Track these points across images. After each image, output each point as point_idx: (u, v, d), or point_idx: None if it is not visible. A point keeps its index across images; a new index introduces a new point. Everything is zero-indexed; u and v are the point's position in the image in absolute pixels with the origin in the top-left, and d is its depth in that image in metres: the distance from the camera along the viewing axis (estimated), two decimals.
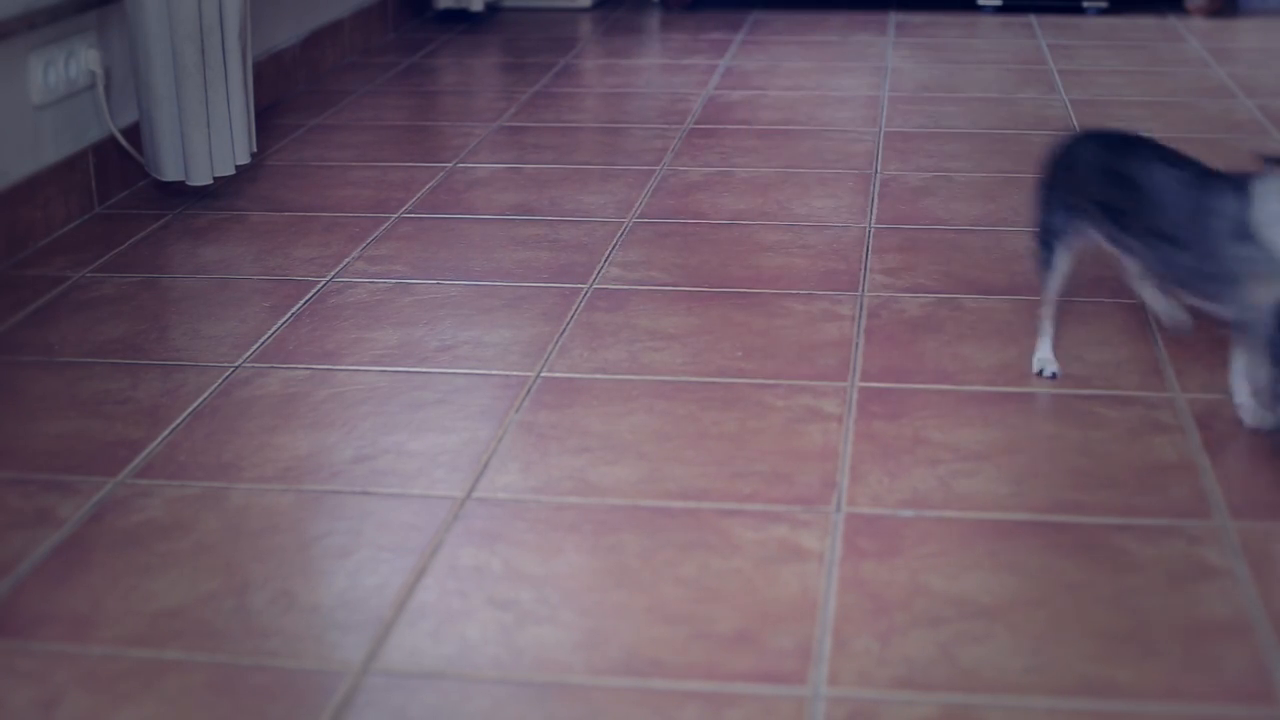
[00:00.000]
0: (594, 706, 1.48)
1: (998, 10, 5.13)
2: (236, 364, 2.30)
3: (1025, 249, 2.72)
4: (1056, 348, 2.29)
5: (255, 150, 3.19)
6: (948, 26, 4.88)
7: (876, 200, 3.04)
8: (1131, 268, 2.31)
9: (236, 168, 3.09)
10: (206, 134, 2.99)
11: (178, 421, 2.11)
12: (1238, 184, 1.91)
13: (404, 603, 1.66)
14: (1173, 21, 4.93)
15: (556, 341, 2.36)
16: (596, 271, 2.66)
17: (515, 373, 2.25)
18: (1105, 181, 2.07)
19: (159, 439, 2.06)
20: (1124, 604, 1.64)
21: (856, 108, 3.80)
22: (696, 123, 3.65)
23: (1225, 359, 2.26)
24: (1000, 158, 3.34)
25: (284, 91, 3.97)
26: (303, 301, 2.54)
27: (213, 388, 2.22)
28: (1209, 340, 2.33)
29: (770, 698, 1.49)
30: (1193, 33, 4.74)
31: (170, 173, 3.01)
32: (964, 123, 3.65)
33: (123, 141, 3.08)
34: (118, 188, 3.12)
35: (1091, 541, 1.77)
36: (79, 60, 2.97)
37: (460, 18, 5.01)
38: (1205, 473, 1.93)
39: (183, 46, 2.92)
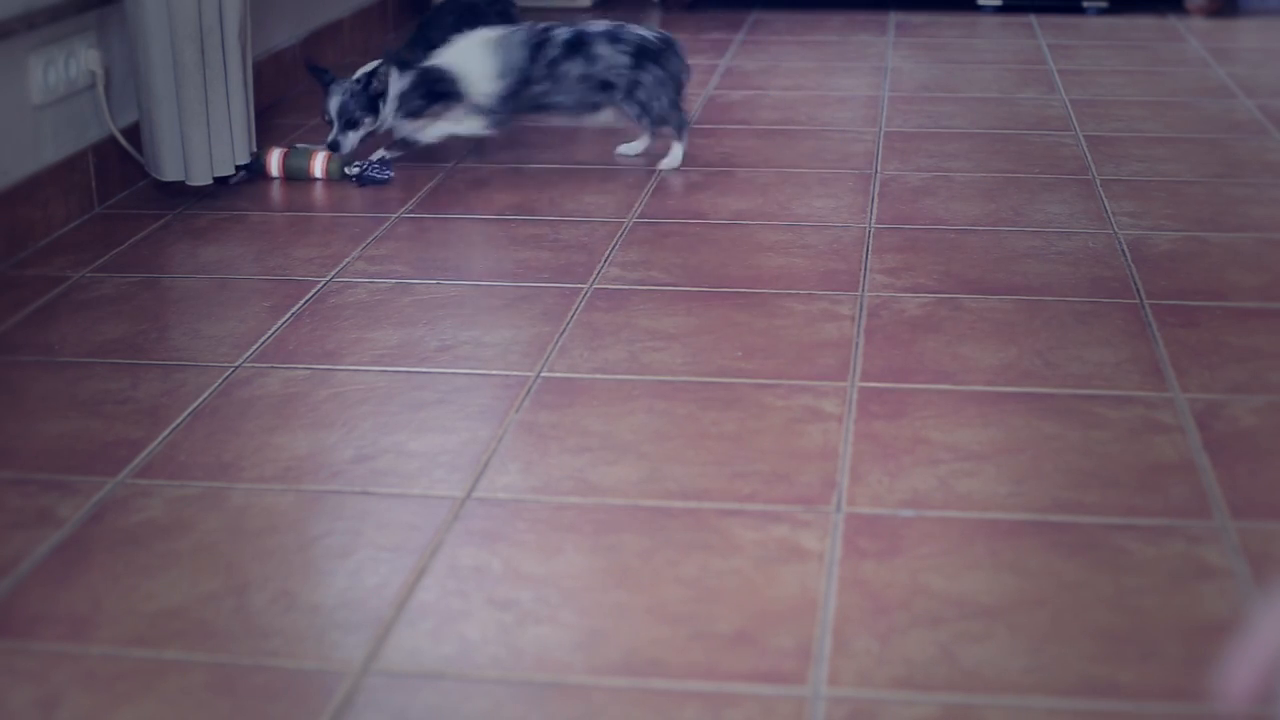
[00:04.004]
0: (594, 706, 1.48)
1: (998, 10, 5.13)
2: (236, 364, 2.30)
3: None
4: (1056, 348, 2.30)
5: (255, 150, 3.19)
6: (948, 26, 4.88)
7: (876, 200, 3.04)
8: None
9: (236, 168, 3.09)
10: (206, 134, 2.99)
11: (178, 421, 2.11)
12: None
13: (404, 603, 1.66)
14: (1173, 21, 4.93)
15: (556, 341, 2.36)
16: (596, 271, 2.66)
17: (515, 373, 2.25)
18: None
19: (159, 439, 2.06)
20: (1124, 604, 1.64)
21: (856, 108, 3.80)
22: (696, 123, 3.65)
23: (1225, 359, 2.26)
24: (1000, 158, 3.34)
25: (284, 91, 3.97)
26: (303, 301, 2.54)
27: (213, 388, 2.22)
28: (1209, 340, 2.33)
29: (770, 698, 1.49)
30: (1193, 33, 4.74)
31: (170, 173, 3.01)
32: (964, 123, 3.65)
33: (123, 141, 3.08)
34: (118, 188, 3.12)
35: (1091, 541, 1.77)
36: (79, 60, 2.97)
37: None
38: (1205, 473, 1.93)
39: (183, 46, 2.92)
